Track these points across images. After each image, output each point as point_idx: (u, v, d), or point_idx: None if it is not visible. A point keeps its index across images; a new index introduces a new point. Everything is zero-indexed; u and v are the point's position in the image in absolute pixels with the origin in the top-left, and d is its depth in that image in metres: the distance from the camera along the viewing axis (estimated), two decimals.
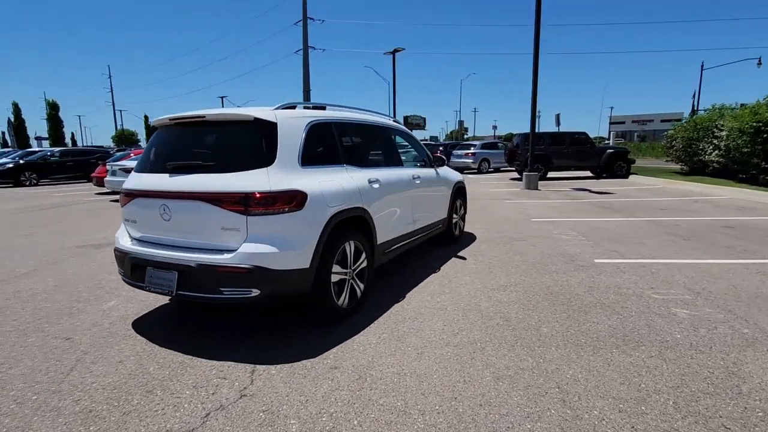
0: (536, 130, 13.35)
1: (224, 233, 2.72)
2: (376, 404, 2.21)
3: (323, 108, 3.58)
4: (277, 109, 3.07)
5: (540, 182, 13.81)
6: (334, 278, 3.11)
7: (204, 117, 2.95)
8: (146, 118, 66.48)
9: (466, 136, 69.93)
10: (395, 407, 2.18)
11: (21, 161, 18.56)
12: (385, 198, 3.79)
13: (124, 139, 61.08)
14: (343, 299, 3.22)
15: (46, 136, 45.59)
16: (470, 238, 6.07)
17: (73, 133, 77.54)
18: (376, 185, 3.67)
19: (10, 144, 35.44)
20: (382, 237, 3.75)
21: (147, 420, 2.12)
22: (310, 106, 3.45)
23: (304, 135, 3.09)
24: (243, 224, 2.67)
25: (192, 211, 2.78)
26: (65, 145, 44.52)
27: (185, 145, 3.09)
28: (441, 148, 21.75)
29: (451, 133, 54.92)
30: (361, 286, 3.44)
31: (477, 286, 4.03)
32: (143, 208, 3.03)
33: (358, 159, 3.69)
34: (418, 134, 50.05)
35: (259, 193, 2.66)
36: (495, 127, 70.93)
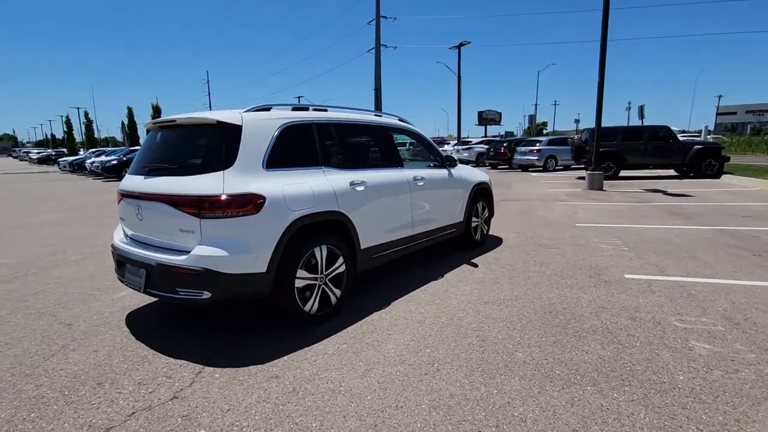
0: (625, 125, 12.06)
1: (183, 235, 2.78)
2: (292, 422, 2.10)
3: (305, 109, 3.51)
4: (248, 111, 3.06)
5: (610, 182, 12.55)
6: (300, 283, 3.04)
7: (175, 121, 3.04)
8: None
9: (545, 131, 66.00)
10: (308, 428, 2.06)
11: (124, 158, 21.30)
12: (372, 201, 3.63)
13: None
14: (312, 305, 3.14)
15: None
16: (495, 243, 5.65)
17: None
18: (360, 188, 3.52)
19: (126, 143, 40.86)
20: (367, 242, 3.60)
21: (80, 412, 2.23)
22: (290, 107, 3.40)
23: (274, 136, 3.06)
24: (197, 227, 2.71)
25: (157, 212, 2.90)
26: None
27: (161, 148, 3.22)
28: (505, 144, 20.60)
29: (528, 128, 52.00)
30: (337, 292, 3.34)
31: (472, 298, 3.71)
32: (128, 207, 3.22)
33: (342, 160, 3.57)
34: (493, 129, 48.20)
35: (212, 196, 2.67)
36: (578, 121, 66.19)
